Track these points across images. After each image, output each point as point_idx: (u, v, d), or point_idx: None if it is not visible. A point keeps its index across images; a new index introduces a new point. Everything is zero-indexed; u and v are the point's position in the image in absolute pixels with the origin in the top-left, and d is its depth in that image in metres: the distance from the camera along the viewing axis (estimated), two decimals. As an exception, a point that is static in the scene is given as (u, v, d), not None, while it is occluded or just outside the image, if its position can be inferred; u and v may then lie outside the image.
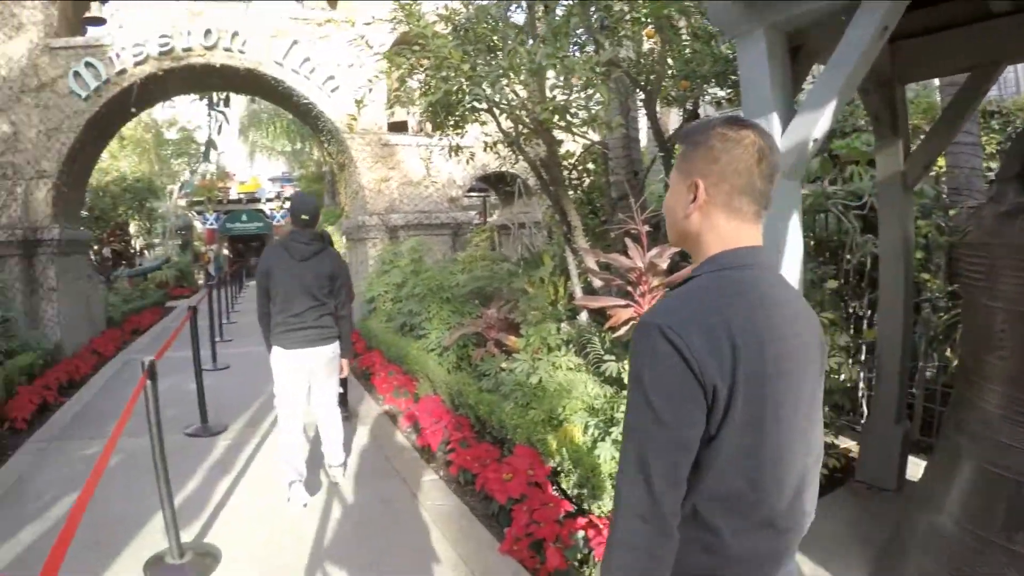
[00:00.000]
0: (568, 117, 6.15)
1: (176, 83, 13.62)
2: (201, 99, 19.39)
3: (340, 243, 19.90)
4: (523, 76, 5.60)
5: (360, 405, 8.82)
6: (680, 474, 1.36)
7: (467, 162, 8.71)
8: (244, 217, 40.23)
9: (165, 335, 14.98)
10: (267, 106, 28.65)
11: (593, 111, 5.56)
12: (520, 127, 7.41)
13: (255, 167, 41.59)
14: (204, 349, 11.32)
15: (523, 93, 6.87)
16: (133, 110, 12.83)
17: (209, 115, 19.34)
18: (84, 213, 20.87)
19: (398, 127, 13.81)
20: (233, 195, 41.99)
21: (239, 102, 38.33)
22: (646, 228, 5.47)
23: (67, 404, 9.62)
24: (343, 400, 6.81)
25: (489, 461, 5.56)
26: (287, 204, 38.59)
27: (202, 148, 20.45)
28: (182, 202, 37.88)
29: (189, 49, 12.62)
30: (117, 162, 27.41)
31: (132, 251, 29.03)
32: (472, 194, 17.76)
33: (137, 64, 12.44)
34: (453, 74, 6.07)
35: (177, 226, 35.39)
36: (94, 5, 13.25)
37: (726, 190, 1.50)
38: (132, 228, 27.82)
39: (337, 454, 5.95)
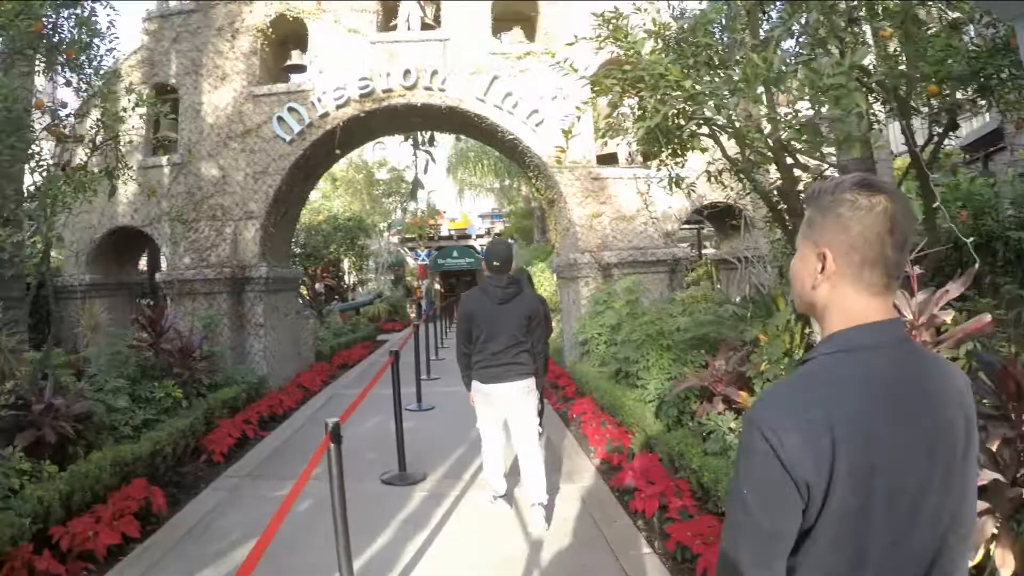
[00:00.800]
0: (814, 135, 5.36)
1: (378, 124, 14.13)
2: (406, 139, 20.05)
3: (551, 280, 19.79)
4: (756, 90, 4.95)
5: (569, 457, 8.42)
6: (772, 562, 1.40)
7: (688, 195, 8.07)
8: (455, 253, 41.27)
9: (373, 370, 15.35)
10: (474, 144, 29.29)
11: (846, 126, 4.84)
12: (748, 152, 6.72)
13: (464, 204, 42.96)
14: (410, 387, 11.37)
15: (753, 111, 6.14)
16: (337, 152, 13.40)
17: (415, 155, 19.97)
18: (297, 250, 22.15)
19: (608, 159, 13.43)
20: (444, 232, 43.70)
21: (446, 140, 39.75)
22: (916, 270, 4.64)
23: (267, 439, 9.96)
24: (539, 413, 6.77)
25: (713, 539, 5.00)
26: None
27: (414, 187, 21.15)
28: (395, 239, 39.66)
29: (389, 90, 13.01)
30: (329, 202, 28.96)
31: (344, 286, 30.50)
32: (684, 226, 17.07)
33: (339, 107, 12.99)
34: (673, 93, 5.50)
35: (390, 262, 37.05)
36: (294, 54, 14.00)
37: (856, 261, 1.48)
38: (345, 264, 29.20)
39: (538, 490, 6.10)
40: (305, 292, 24.48)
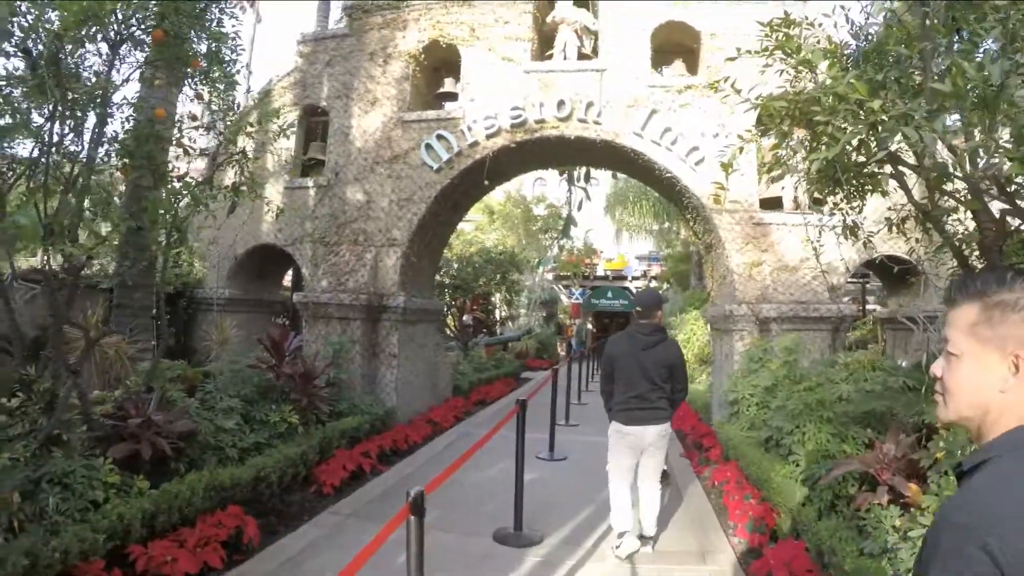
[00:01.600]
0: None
1: (529, 156, 13.72)
2: (562, 175, 19.51)
3: (703, 330, 18.76)
4: (967, 108, 4.02)
5: (705, 532, 7.55)
6: None
7: (864, 245, 7.15)
8: (609, 294, 40.36)
9: (510, 409, 14.83)
10: (633, 184, 28.76)
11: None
12: (940, 197, 5.73)
13: (621, 245, 42.22)
14: (544, 432, 10.71)
15: (955, 141, 5.09)
16: (487, 183, 13.05)
17: (569, 190, 19.36)
18: (447, 280, 22.06)
19: (771, 204, 12.43)
20: (599, 272, 43.25)
21: (603, 178, 39.22)
22: None
23: (384, 475, 9.60)
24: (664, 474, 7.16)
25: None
26: (652, 284, 39.22)
27: (567, 224, 20.58)
28: (549, 275, 39.39)
29: (542, 121, 12.63)
30: (484, 234, 28.92)
31: (493, 320, 30.34)
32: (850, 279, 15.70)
33: (489, 137, 12.72)
34: (855, 118, 4.63)
35: (543, 299, 36.73)
36: (447, 81, 13.85)
37: None
38: (496, 298, 29.07)
39: (650, 524, 6.62)
40: (451, 323, 24.42)
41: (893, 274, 12.75)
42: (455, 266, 23.08)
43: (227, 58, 8.23)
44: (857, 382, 8.27)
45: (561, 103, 12.53)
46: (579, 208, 19.29)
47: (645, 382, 6.20)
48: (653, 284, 39.68)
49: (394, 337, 12.72)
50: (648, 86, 12.58)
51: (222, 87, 7.67)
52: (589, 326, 41.38)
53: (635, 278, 42.61)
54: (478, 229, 29.56)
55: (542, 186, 43.15)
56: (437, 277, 21.49)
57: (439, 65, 14.17)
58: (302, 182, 13.78)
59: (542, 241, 36.83)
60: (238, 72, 8.30)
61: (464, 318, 26.18)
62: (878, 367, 8.79)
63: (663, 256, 37.13)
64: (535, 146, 13.02)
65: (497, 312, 35.05)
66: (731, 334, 11.67)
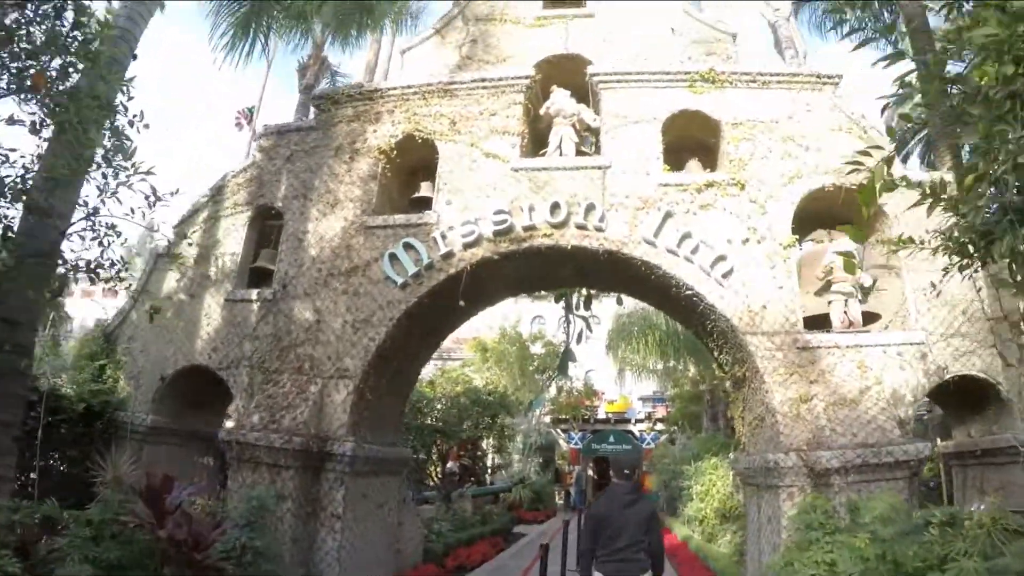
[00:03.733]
0: None
1: (517, 272, 11.47)
2: (558, 302, 16.88)
3: (725, 479, 16.05)
4: None
5: None
6: None
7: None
8: (611, 438, 37.87)
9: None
10: (637, 317, 26.61)
11: None
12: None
13: (624, 386, 39.95)
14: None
15: None
16: (462, 303, 10.63)
17: (567, 321, 16.70)
18: (428, 423, 19.39)
19: (818, 322, 10.04)
20: (601, 414, 40.87)
21: (606, 314, 36.97)
22: None
23: None
24: None
25: None
26: (657, 427, 37.40)
27: (565, 359, 17.77)
28: (546, 418, 36.68)
29: (532, 228, 10.55)
30: (472, 374, 26.62)
31: (483, 468, 27.50)
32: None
33: (467, 247, 10.63)
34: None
35: (539, 443, 33.82)
36: (424, 185, 11.85)
37: None
38: (486, 444, 26.39)
39: None
40: (433, 472, 21.60)
41: (959, 398, 10.18)
42: (438, 407, 20.45)
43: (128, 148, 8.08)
44: (985, 555, 5.62)
45: (556, 206, 10.44)
46: (578, 341, 16.62)
47: (627, 536, 6.49)
48: (659, 427, 37.14)
49: (339, 493, 10.07)
50: (660, 185, 10.52)
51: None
52: (590, 473, 38.40)
53: (639, 421, 40.31)
54: (466, 365, 27.24)
55: (541, 323, 41.11)
56: (415, 419, 18.91)
57: (415, 167, 12.18)
58: (245, 294, 11.54)
59: (539, 381, 34.26)
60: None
61: (448, 466, 23.40)
62: (1008, 527, 6.09)
63: (669, 396, 34.60)
64: (524, 259, 10.78)
65: (489, 458, 32.22)
66: (775, 491, 8.99)
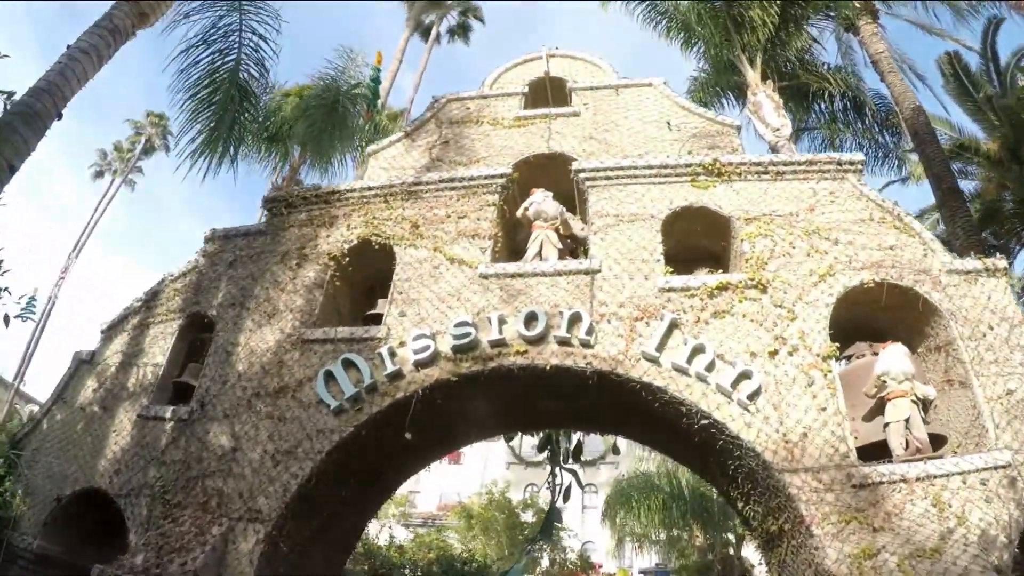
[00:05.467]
0: None
1: (484, 400, 9.19)
2: (541, 451, 14.16)
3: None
4: None
5: None
6: None
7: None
8: None
9: None
10: (636, 482, 24.15)
11: None
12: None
13: (624, 558, 36.60)
14: None
15: None
16: (408, 436, 8.29)
17: (552, 475, 13.96)
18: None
19: (872, 454, 7.74)
20: (600, 588, 36.69)
21: (602, 479, 34.42)
22: None
23: None
24: None
25: None
26: None
27: (549, 519, 14.83)
28: (540, 595, 33.13)
29: (501, 343, 8.47)
30: (459, 543, 23.74)
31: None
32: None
33: (420, 366, 8.53)
34: None
35: (532, 623, 30.17)
36: (381, 303, 9.84)
37: None
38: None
39: None
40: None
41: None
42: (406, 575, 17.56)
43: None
44: None
45: (532, 317, 8.42)
46: (565, 499, 13.95)
47: None
48: (665, 604, 33.65)
49: None
50: (662, 290, 8.55)
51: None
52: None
53: (639, 594, 36.19)
54: (442, 530, 24.33)
55: (534, 490, 38.20)
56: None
57: (371, 283, 10.29)
58: (159, 411, 9.43)
59: (533, 553, 30.97)
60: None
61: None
62: None
63: (674, 568, 31.29)
64: (492, 384, 8.60)
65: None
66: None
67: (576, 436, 12.82)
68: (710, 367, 7.81)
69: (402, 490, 39.84)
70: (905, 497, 7.10)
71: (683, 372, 7.88)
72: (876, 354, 8.56)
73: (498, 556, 28.24)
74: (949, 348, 8.24)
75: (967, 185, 21.08)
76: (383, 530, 25.77)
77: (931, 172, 15.60)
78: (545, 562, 32.64)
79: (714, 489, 21.70)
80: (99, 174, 41.53)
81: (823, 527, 6.88)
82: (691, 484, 21.63)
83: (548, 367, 8.17)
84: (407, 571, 17.80)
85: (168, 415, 9.35)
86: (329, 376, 8.59)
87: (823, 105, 19.17)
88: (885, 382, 8.09)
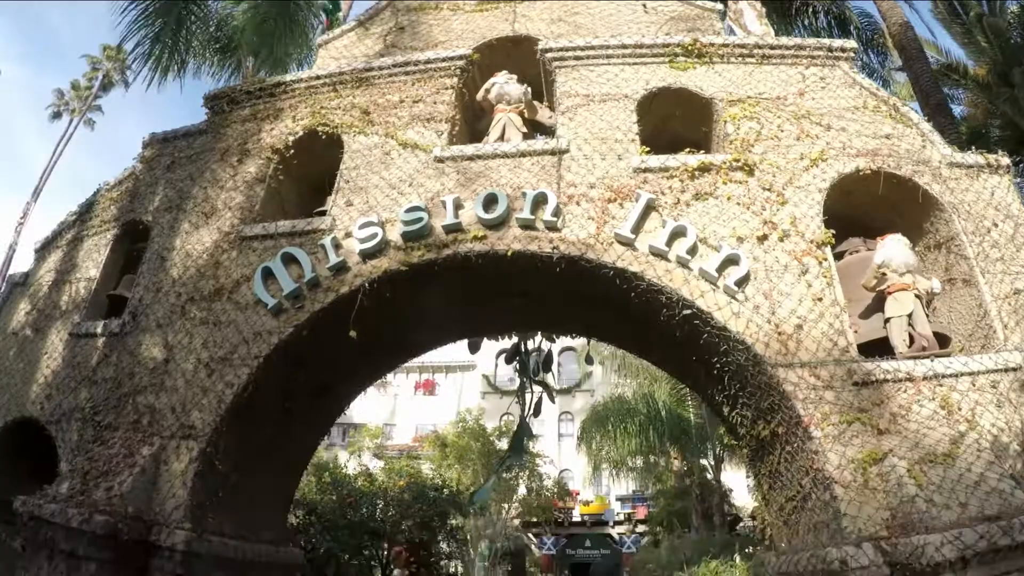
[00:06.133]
0: None
1: (439, 296, 8.07)
2: (509, 362, 12.85)
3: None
4: None
5: None
6: None
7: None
8: (587, 543, 35.50)
9: None
10: (612, 406, 23.30)
11: None
12: None
13: (601, 486, 36.43)
14: None
15: None
16: (352, 333, 7.24)
17: (522, 387, 12.75)
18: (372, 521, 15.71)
19: (874, 351, 6.80)
20: (576, 517, 37.11)
21: (578, 406, 33.89)
22: None
23: None
24: None
25: None
26: (638, 529, 34.01)
27: (520, 435, 13.59)
28: (515, 521, 32.68)
29: (457, 229, 7.39)
30: (418, 465, 23.11)
31: (437, 574, 23.51)
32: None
33: (367, 256, 7.46)
34: None
35: (507, 549, 29.68)
36: (331, 199, 8.56)
37: None
38: (447, 549, 22.58)
39: None
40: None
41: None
42: (379, 504, 16.70)
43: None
44: None
45: (492, 200, 7.35)
46: (536, 414, 12.92)
47: None
48: (640, 529, 33.35)
49: None
50: (638, 170, 7.51)
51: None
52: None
53: (618, 523, 36.36)
54: (411, 458, 23.65)
55: (510, 419, 37.73)
56: (344, 517, 15.21)
57: (320, 181, 9.01)
58: (90, 327, 8.37)
59: (507, 480, 30.40)
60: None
61: (395, 573, 19.46)
62: None
63: (652, 495, 30.85)
64: (446, 275, 7.51)
65: (451, 567, 28.13)
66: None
67: (546, 347, 11.80)
68: (692, 251, 6.80)
69: (377, 422, 39.58)
70: (911, 397, 6.18)
71: (662, 256, 6.87)
72: (871, 250, 7.60)
73: (473, 484, 27.70)
74: (951, 244, 7.34)
75: (954, 109, 20.20)
76: (351, 459, 25.14)
77: (919, 88, 14.59)
78: (522, 490, 32.22)
79: (691, 409, 21.13)
80: (57, 115, 39.63)
81: (823, 428, 5.95)
82: (668, 405, 20.85)
83: (509, 253, 7.11)
84: (377, 500, 16.97)
85: (99, 330, 8.32)
86: (268, 274, 7.54)
87: (806, 21, 18.25)
88: (885, 274, 7.15)
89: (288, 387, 7.86)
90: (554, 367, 42.91)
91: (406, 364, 44.34)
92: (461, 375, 44.12)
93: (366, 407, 44.39)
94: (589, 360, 12.91)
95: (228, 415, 7.07)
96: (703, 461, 22.23)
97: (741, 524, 21.77)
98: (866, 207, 7.68)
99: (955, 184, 7.44)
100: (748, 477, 37.67)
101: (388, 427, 40.66)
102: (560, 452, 38.00)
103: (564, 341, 41.34)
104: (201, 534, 6.78)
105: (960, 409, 6.07)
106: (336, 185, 8.23)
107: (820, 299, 6.65)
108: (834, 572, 5.40)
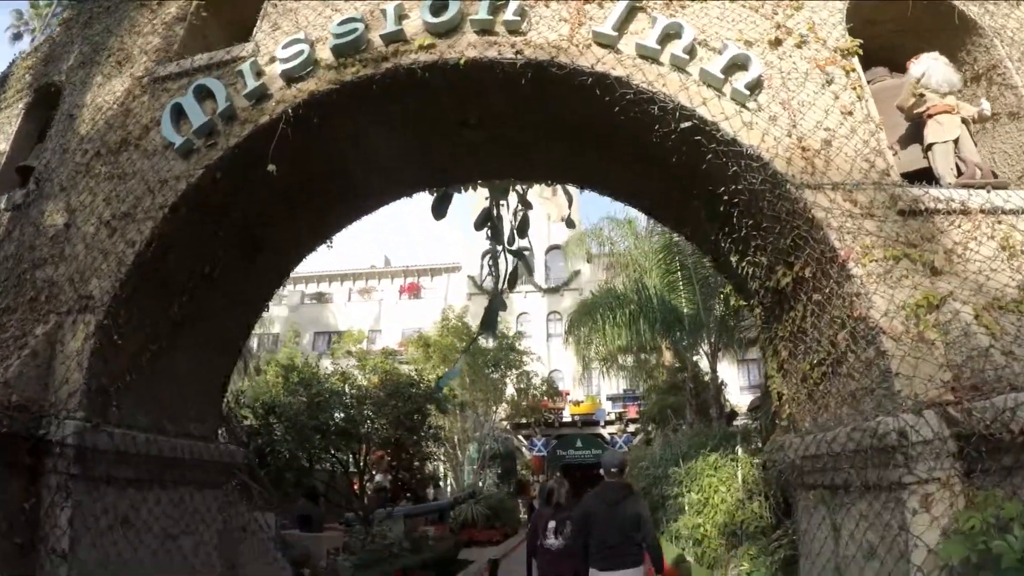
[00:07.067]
0: None
1: (383, 126, 6.47)
2: (480, 228, 11.05)
3: (728, 485, 11.36)
4: None
5: None
6: None
7: None
8: (578, 443, 35.09)
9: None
10: (601, 297, 21.98)
11: None
12: None
13: (591, 385, 35.57)
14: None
15: None
16: (271, 168, 5.67)
17: (494, 255, 10.98)
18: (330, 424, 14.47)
19: (919, 178, 5.39)
20: (566, 417, 36.31)
21: (565, 306, 32.72)
22: None
23: None
24: None
25: None
26: (629, 428, 33.73)
27: (492, 308, 11.75)
28: (504, 423, 31.88)
29: (399, 38, 5.81)
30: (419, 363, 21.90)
31: (424, 480, 22.62)
32: None
33: (291, 80, 5.94)
34: None
35: (496, 451, 28.88)
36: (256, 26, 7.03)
37: None
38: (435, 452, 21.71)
39: None
40: (356, 488, 16.70)
41: None
42: (351, 403, 15.47)
43: None
44: None
45: (442, 7, 5.69)
46: (511, 285, 11.35)
47: (617, 534, 6.44)
48: (631, 429, 32.63)
49: (63, 512, 5.21)
50: (620, -42, 5.79)
51: None
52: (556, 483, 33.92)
53: (609, 422, 35.66)
54: (386, 353, 22.44)
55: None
56: (314, 417, 13.98)
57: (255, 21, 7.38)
58: None
59: (493, 380, 29.32)
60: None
61: (377, 479, 18.42)
62: None
63: (642, 393, 29.88)
64: (387, 96, 5.91)
65: (441, 470, 27.38)
66: (889, 495, 4.20)
67: (521, 211, 10.30)
68: (690, 52, 5.29)
69: (362, 327, 38.48)
70: (967, 234, 4.77)
71: (652, 59, 5.33)
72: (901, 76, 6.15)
73: (460, 385, 26.67)
74: (993, 74, 6.00)
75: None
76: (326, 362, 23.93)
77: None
78: (510, 390, 31.27)
79: (684, 295, 19.78)
80: (17, 36, 37.25)
81: (865, 264, 4.50)
82: (659, 292, 19.47)
83: (462, 61, 5.51)
84: (348, 399, 15.74)
85: (3, 204, 7.16)
86: (179, 112, 6.08)
87: None
88: (923, 95, 5.68)
89: (207, 248, 6.42)
90: (540, 264, 42.19)
91: (390, 268, 42.88)
92: (447, 277, 42.87)
93: (350, 314, 43.67)
94: (570, 224, 11.29)
95: (130, 280, 5.67)
96: (698, 350, 20.98)
97: (738, 419, 20.69)
98: (891, 38, 6.22)
99: (995, 8, 6.10)
100: (741, 374, 37.17)
101: (373, 333, 39.61)
102: (549, 353, 36.97)
103: (551, 239, 40.56)
104: (98, 425, 5.44)
105: (1022, 253, 4.70)
106: (263, 9, 6.64)
107: (850, 113, 5.19)
108: (884, 450, 4.06)
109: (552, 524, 7.22)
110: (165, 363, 6.51)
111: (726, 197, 5.35)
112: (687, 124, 5.12)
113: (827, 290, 4.77)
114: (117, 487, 5.83)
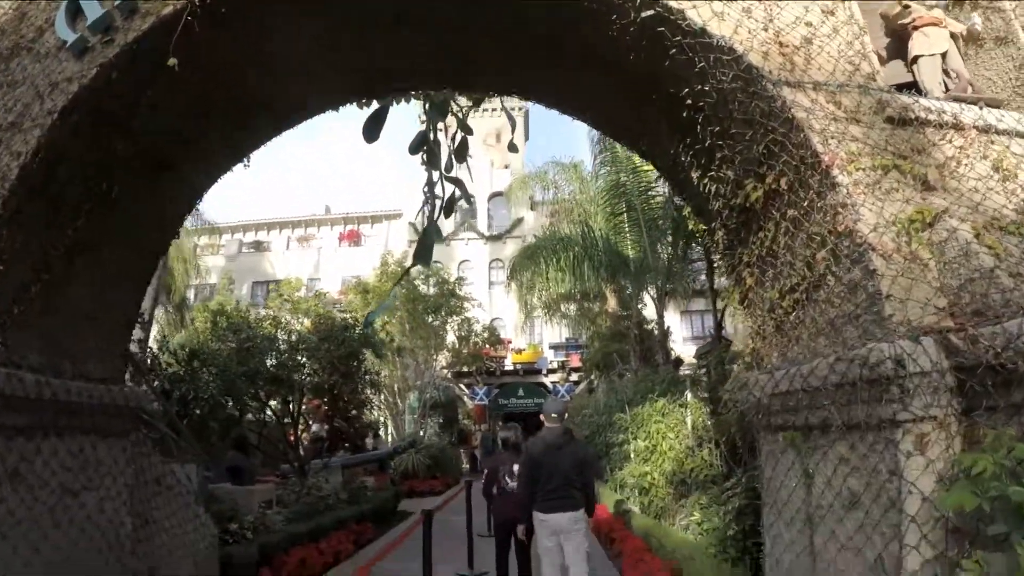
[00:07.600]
0: None
1: (307, 16, 5.55)
2: (416, 152, 9.96)
3: (676, 431, 11.00)
4: None
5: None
6: None
7: None
8: (520, 392, 35.12)
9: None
10: (544, 241, 21.42)
11: None
12: None
13: (533, 334, 35.34)
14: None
15: None
16: (172, 62, 4.80)
17: (430, 181, 9.96)
18: (261, 371, 13.67)
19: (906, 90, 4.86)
20: (508, 366, 36.19)
21: (507, 253, 32.23)
22: None
23: None
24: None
25: None
26: (572, 377, 34.09)
27: (427, 239, 10.77)
28: (445, 371, 31.36)
29: None
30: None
31: (362, 429, 22.01)
32: None
33: None
34: None
35: (437, 400, 28.39)
36: None
37: None
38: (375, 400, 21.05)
39: None
40: (292, 439, 16.00)
41: None
42: (282, 347, 14.68)
43: None
44: None
45: None
46: (447, 214, 10.36)
47: (560, 477, 6.68)
48: (574, 378, 32.52)
49: None
50: None
51: None
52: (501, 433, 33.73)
53: (551, 371, 35.64)
54: (317, 295, 21.62)
55: (436, 265, 36.17)
56: (243, 364, 13.19)
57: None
58: None
59: (434, 327, 28.66)
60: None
61: (313, 428, 17.73)
62: None
63: (586, 341, 29.58)
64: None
65: (380, 417, 26.79)
66: (876, 434, 3.69)
67: (460, 135, 9.51)
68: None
69: (301, 276, 37.39)
70: (960, 151, 4.24)
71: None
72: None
73: (400, 332, 26.01)
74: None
75: None
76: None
77: None
78: (451, 338, 30.72)
79: (630, 237, 19.24)
80: None
81: (851, 173, 3.92)
82: (605, 233, 18.95)
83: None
84: (279, 344, 14.95)
85: None
86: (77, 9, 5.15)
87: None
88: (908, 5, 5.15)
89: (105, 163, 5.57)
90: (483, 212, 41.33)
91: (330, 215, 41.40)
92: (387, 224, 41.96)
93: (289, 262, 42.55)
94: (513, 147, 10.59)
95: (14, 196, 4.81)
96: (643, 298, 20.57)
97: (684, 368, 20.42)
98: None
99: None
100: (685, 324, 37.11)
101: (313, 281, 38.59)
102: (491, 301, 36.50)
103: (493, 186, 39.74)
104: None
105: (1017, 176, 4.20)
106: None
107: (832, 13, 4.59)
108: (876, 382, 3.53)
109: (516, 468, 7.56)
110: (61, 297, 5.72)
111: (689, 101, 4.66)
112: (649, 12, 4.41)
113: (806, 203, 4.18)
114: (4, 436, 5.11)
